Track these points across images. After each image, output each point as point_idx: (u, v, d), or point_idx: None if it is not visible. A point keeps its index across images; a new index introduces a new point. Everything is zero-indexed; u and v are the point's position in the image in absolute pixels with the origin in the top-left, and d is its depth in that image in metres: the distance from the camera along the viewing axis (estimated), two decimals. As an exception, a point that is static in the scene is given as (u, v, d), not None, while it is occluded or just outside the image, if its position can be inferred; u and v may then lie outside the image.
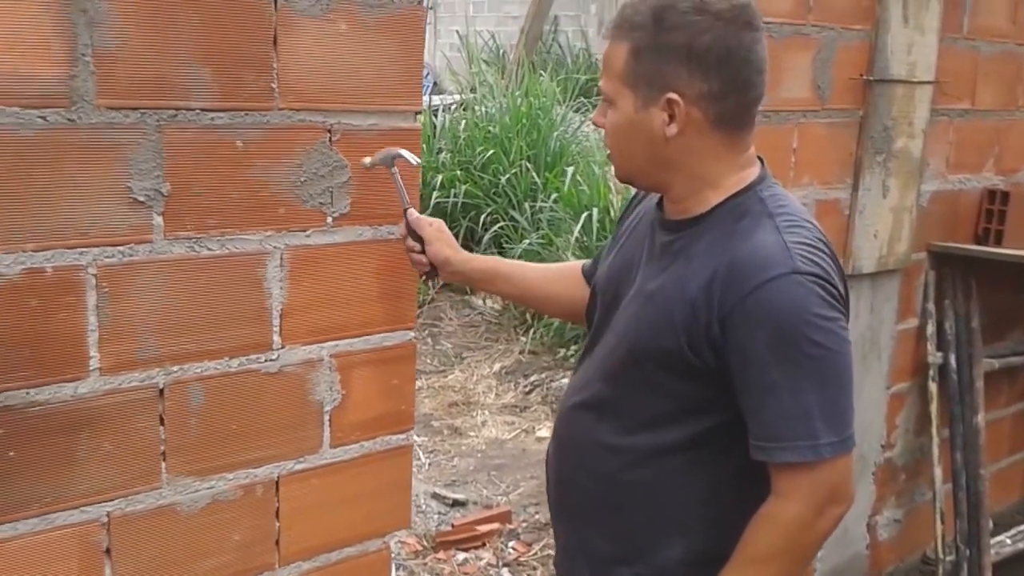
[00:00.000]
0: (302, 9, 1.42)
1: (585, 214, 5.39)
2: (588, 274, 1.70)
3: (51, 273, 1.26)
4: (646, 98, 1.32)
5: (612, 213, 5.43)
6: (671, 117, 1.32)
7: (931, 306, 2.87)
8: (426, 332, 5.51)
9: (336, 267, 1.54)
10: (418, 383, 4.29)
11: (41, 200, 1.24)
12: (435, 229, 1.58)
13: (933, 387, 2.91)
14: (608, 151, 1.43)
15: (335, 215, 1.52)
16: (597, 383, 1.45)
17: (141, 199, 1.32)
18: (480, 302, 5.82)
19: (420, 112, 1.63)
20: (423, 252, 1.59)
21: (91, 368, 1.32)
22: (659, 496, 1.39)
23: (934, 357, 2.90)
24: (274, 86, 1.41)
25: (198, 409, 1.42)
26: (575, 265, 1.77)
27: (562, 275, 1.78)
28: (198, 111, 1.35)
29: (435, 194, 5.96)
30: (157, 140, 1.32)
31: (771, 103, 2.19)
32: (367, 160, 1.52)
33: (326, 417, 1.56)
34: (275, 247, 1.47)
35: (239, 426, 1.46)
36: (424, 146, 6.00)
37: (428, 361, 5.24)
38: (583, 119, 7.08)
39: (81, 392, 1.31)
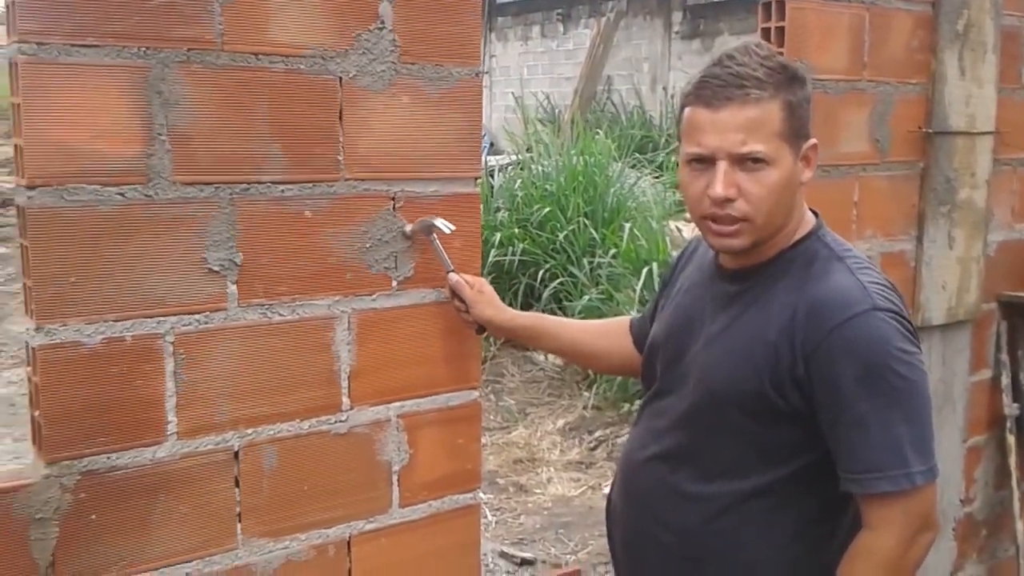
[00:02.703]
0: (366, 85, 1.48)
1: (645, 269, 5.40)
2: (636, 330, 1.72)
3: (131, 341, 1.32)
4: (797, 149, 1.38)
5: (672, 267, 5.43)
6: (807, 162, 1.39)
7: (1004, 357, 2.79)
8: (489, 388, 5.53)
9: (401, 329, 1.58)
10: (482, 440, 4.31)
11: (120, 272, 1.30)
12: (475, 291, 1.60)
13: (1011, 439, 2.82)
14: (742, 222, 1.35)
15: (399, 279, 1.57)
16: (673, 433, 1.47)
17: (216, 268, 1.38)
18: (542, 358, 5.83)
19: (479, 177, 1.67)
20: (468, 312, 1.62)
21: (169, 432, 1.36)
22: (744, 543, 1.40)
23: (1010, 408, 2.81)
24: (340, 158, 1.47)
25: (271, 471, 1.46)
26: (622, 320, 1.79)
27: (607, 331, 1.80)
28: (269, 184, 1.41)
29: (493, 252, 6.04)
30: (230, 212, 1.38)
31: (830, 158, 2.19)
32: (407, 228, 1.55)
33: (394, 477, 1.59)
34: (343, 311, 1.51)
35: (310, 487, 1.49)
36: (482, 206, 6.09)
37: (491, 417, 5.24)
38: (639, 175, 7.13)
39: (159, 456, 1.36)
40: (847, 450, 1.31)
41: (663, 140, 9.45)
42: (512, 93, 12.26)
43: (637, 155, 7.86)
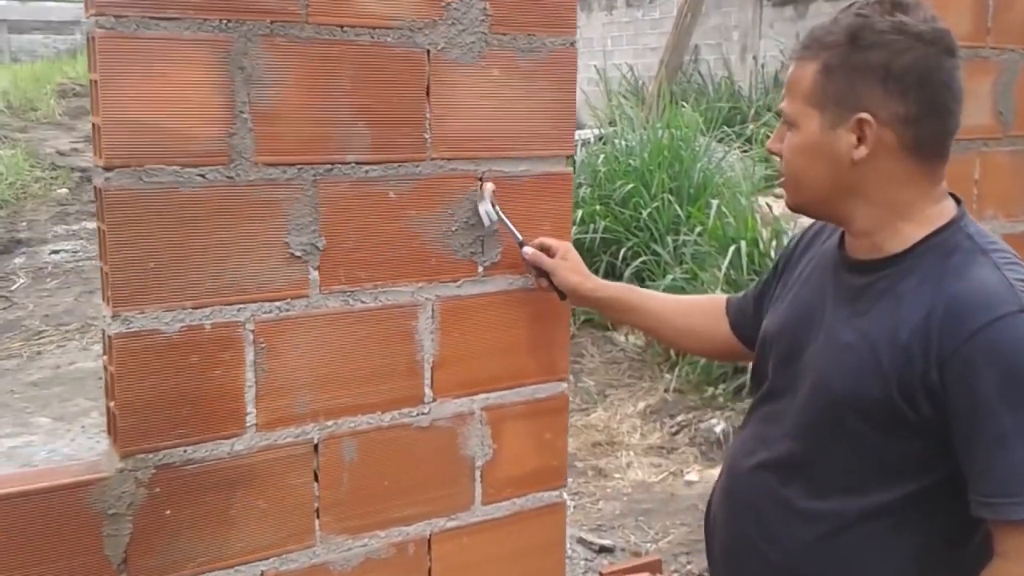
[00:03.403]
0: (455, 58, 1.39)
1: (732, 247, 5.22)
2: (734, 311, 1.60)
3: (210, 330, 1.27)
4: (834, 118, 1.25)
5: (761, 246, 5.24)
6: (860, 139, 1.24)
7: None
8: (568, 369, 5.43)
9: (487, 317, 1.50)
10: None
11: (200, 257, 1.25)
12: (559, 257, 1.50)
13: None
14: (783, 177, 1.35)
15: (486, 264, 1.48)
16: (784, 441, 1.34)
17: (298, 254, 1.32)
18: (622, 338, 5.71)
19: (571, 155, 1.57)
20: (551, 283, 1.52)
21: (248, 424, 1.31)
22: (859, 567, 1.27)
23: None
24: (426, 136, 1.39)
25: (351, 464, 1.40)
26: (716, 299, 1.67)
27: (701, 308, 1.68)
28: (353, 164, 1.34)
29: (574, 229, 5.91)
30: (313, 195, 1.32)
31: (949, 133, 2.03)
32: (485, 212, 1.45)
33: (477, 473, 1.51)
34: (427, 298, 1.43)
35: (391, 482, 1.43)
36: (565, 181, 5.96)
37: (570, 399, 5.15)
38: (727, 149, 6.91)
39: (238, 449, 1.31)
40: (982, 470, 1.17)
41: (752, 112, 9.16)
42: (595, 65, 12.06)
43: (725, 128, 7.62)
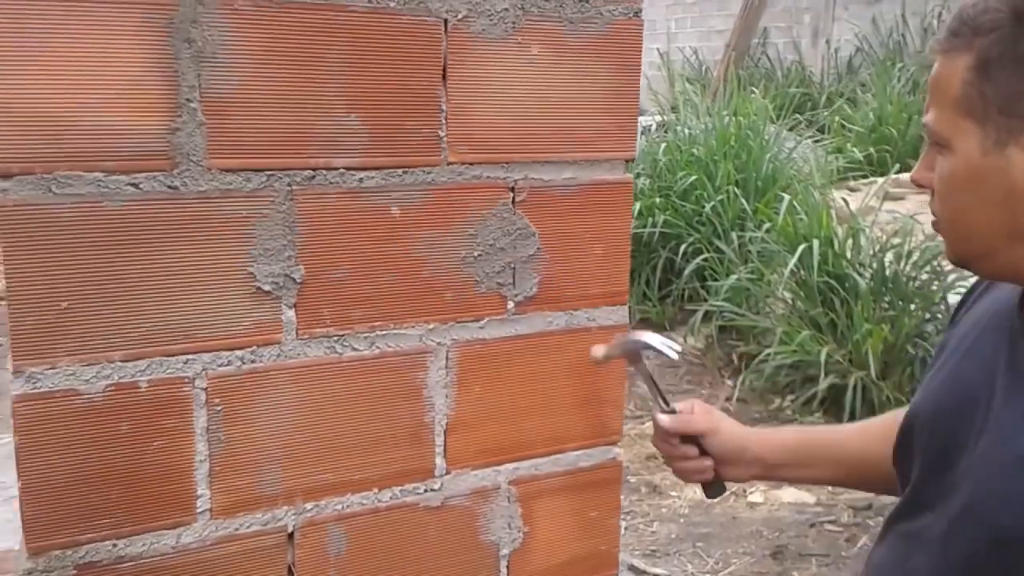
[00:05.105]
0: (480, 30, 1.06)
1: (803, 246, 4.81)
2: None
3: (146, 389, 0.96)
4: (1000, 132, 0.88)
5: (835, 245, 4.82)
6: None
7: None
8: (622, 372, 5.10)
9: (518, 366, 1.17)
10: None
11: (132, 294, 0.94)
12: (701, 414, 1.26)
13: None
14: (935, 219, 0.97)
15: (518, 299, 1.15)
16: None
17: (267, 288, 1.00)
18: (681, 339, 5.34)
19: (633, 159, 1.23)
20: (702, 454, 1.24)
21: (199, 510, 1.00)
22: None
23: None
24: (441, 134, 1.06)
25: (338, 558, 1.08)
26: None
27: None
28: (342, 171, 1.02)
29: (632, 223, 5.56)
30: (288, 210, 1.00)
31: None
32: (599, 352, 1.17)
33: (503, 562, 1.19)
34: (439, 343, 1.11)
35: (390, 578, 1.12)
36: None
37: (625, 405, 4.82)
38: (798, 138, 6.47)
39: (185, 542, 1.00)
40: None
41: (823, 98, 8.66)
42: (657, 48, 11.62)
43: (796, 115, 7.16)
